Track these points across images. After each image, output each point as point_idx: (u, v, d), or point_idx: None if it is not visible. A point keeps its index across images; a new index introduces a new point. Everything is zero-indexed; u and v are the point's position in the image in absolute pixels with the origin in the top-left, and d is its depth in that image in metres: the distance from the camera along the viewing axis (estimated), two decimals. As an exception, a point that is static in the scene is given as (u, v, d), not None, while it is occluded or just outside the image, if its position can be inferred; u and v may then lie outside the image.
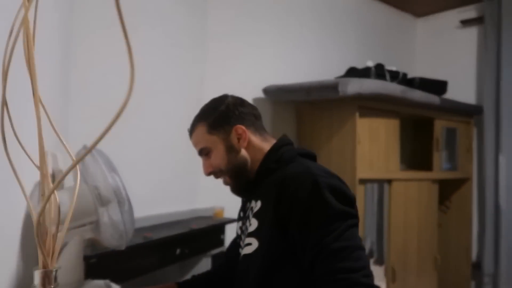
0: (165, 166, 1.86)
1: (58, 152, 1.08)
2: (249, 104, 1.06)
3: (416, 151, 2.97)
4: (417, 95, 2.30)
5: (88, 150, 0.39)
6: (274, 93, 2.26)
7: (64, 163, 1.10)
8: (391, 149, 2.37)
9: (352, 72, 2.38)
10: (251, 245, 0.91)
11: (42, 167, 0.43)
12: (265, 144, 1.02)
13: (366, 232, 2.31)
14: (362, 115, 2.16)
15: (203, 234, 1.78)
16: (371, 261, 2.42)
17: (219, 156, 0.99)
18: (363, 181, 2.17)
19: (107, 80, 1.62)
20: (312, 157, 1.03)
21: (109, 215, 0.96)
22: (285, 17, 2.49)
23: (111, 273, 1.26)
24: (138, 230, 1.59)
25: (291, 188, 0.85)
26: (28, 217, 0.96)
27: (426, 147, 2.75)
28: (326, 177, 0.86)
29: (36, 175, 1.00)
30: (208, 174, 1.02)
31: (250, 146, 1.00)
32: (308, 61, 2.58)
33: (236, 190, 1.04)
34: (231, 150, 0.99)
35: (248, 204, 1.01)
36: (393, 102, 2.28)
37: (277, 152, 1.00)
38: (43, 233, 0.43)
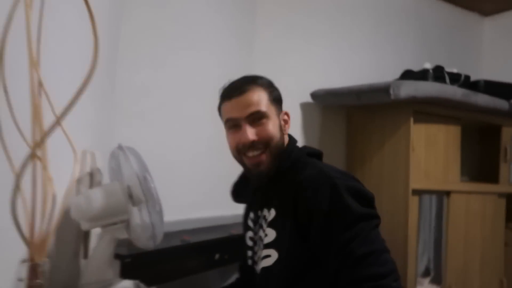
0: (208, 170, 1.84)
1: (97, 151, 1.10)
2: None
3: (482, 161, 2.72)
4: (482, 99, 2.10)
5: (56, 121, 0.36)
6: (323, 98, 2.18)
7: (103, 162, 1.11)
8: (451, 158, 2.18)
9: (408, 75, 2.24)
10: (270, 257, 0.86)
11: (34, 147, 0.41)
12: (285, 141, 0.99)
13: (422, 247, 2.14)
14: (418, 120, 2.01)
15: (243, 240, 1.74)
16: (427, 280, 2.23)
17: (275, 128, 0.92)
18: (417, 192, 2.01)
19: (152, 82, 1.64)
20: (319, 156, 0.99)
21: (140, 216, 0.95)
22: (336, 17, 2.40)
23: (146, 274, 1.26)
24: (177, 233, 1.58)
25: (308, 194, 0.82)
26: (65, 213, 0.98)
27: (493, 158, 2.50)
28: (343, 179, 0.82)
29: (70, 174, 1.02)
30: (251, 142, 0.90)
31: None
32: (361, 64, 2.47)
33: (265, 174, 0.92)
34: (280, 129, 0.95)
35: (259, 212, 0.95)
36: (454, 107, 2.10)
37: (290, 154, 0.95)
38: (31, 225, 0.41)
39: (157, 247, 1.32)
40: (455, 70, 2.20)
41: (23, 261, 0.40)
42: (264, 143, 0.91)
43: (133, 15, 1.60)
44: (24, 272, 0.40)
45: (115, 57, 1.55)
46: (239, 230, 1.73)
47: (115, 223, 0.98)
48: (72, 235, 1.09)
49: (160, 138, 1.70)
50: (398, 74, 2.39)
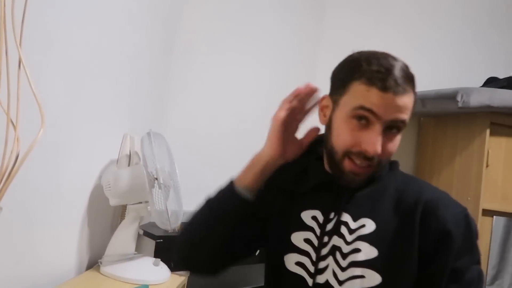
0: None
1: (136, 135, 1.21)
2: None
3: None
4: None
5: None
6: (388, 103, 2.07)
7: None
8: (538, 179, 1.89)
9: (491, 83, 2.01)
10: (363, 279, 0.71)
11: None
12: None
13: (493, 273, 1.90)
14: (495, 133, 1.78)
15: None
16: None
17: (395, 147, 0.74)
18: (489, 213, 1.79)
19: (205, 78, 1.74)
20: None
21: (157, 201, 1.02)
22: (414, 14, 2.26)
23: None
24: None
25: (444, 218, 0.71)
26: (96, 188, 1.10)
27: None
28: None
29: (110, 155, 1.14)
30: (375, 154, 0.70)
31: None
32: (443, 68, 2.26)
33: (356, 184, 0.75)
34: None
35: (332, 215, 0.76)
36: (545, 121, 1.82)
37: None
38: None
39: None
40: (550, 79, 1.91)
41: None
42: (381, 160, 0.73)
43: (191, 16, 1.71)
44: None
45: (171, 53, 1.68)
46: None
47: (139, 202, 1.08)
48: (108, 211, 1.22)
49: (236, 134, 1.79)
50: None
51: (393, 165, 0.81)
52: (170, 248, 1.33)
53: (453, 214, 0.71)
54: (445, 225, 0.70)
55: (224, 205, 0.77)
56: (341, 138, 0.73)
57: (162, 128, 1.54)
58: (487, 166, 1.78)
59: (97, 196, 1.09)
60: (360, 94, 0.70)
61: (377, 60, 0.70)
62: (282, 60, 2.05)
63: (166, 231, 1.33)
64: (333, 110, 0.76)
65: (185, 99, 1.71)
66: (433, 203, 0.72)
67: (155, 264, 1.08)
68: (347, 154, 0.72)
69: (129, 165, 1.21)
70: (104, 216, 1.21)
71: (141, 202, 1.07)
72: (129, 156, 1.20)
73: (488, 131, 1.77)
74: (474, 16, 2.37)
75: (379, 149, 0.69)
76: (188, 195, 1.45)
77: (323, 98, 0.80)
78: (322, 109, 0.79)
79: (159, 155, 1.04)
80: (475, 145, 1.83)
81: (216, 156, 1.76)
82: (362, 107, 0.69)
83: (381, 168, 0.75)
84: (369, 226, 0.72)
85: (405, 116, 0.70)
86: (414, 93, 0.72)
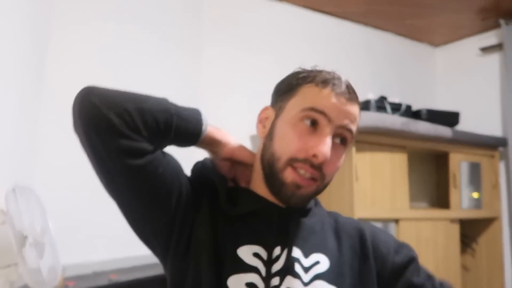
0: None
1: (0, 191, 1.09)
2: None
3: (438, 188, 2.75)
4: (423, 127, 2.15)
5: None
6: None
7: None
8: (398, 186, 2.20)
9: (353, 106, 2.29)
10: None
11: None
12: None
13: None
14: (361, 149, 2.04)
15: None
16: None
17: (340, 164, 0.71)
18: (362, 220, 2.01)
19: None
20: None
21: (27, 261, 0.94)
22: (280, 54, 2.47)
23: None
24: (108, 272, 1.56)
25: (387, 241, 0.78)
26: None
27: (446, 184, 2.53)
28: None
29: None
30: (320, 163, 0.65)
31: None
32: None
33: (299, 202, 0.70)
34: None
35: (278, 250, 0.67)
36: (396, 136, 2.14)
37: None
38: None
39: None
40: (397, 100, 2.26)
41: None
42: (325, 175, 0.68)
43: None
44: None
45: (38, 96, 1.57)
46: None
47: (9, 266, 0.97)
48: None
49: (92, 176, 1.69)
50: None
51: (316, 198, 0.80)
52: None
53: (385, 232, 0.82)
54: (390, 246, 0.76)
55: (184, 111, 0.68)
56: (286, 143, 0.67)
57: (35, 179, 1.42)
58: (356, 179, 2.02)
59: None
60: (312, 95, 0.67)
61: (326, 72, 0.71)
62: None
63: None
64: (276, 117, 0.71)
65: (60, 142, 1.59)
66: (371, 230, 0.78)
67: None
68: (291, 162, 0.66)
69: (-7, 225, 1.08)
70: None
71: (10, 266, 0.97)
72: (-7, 215, 1.08)
73: (354, 149, 2.01)
74: (335, 52, 2.69)
75: (328, 153, 0.64)
76: (71, 245, 1.36)
77: (264, 110, 0.76)
78: (261, 122, 0.75)
79: (27, 211, 0.96)
80: (345, 161, 2.05)
81: (99, 202, 1.67)
82: (313, 109, 0.66)
83: (323, 188, 0.71)
84: (324, 262, 0.68)
85: (354, 126, 0.69)
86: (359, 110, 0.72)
